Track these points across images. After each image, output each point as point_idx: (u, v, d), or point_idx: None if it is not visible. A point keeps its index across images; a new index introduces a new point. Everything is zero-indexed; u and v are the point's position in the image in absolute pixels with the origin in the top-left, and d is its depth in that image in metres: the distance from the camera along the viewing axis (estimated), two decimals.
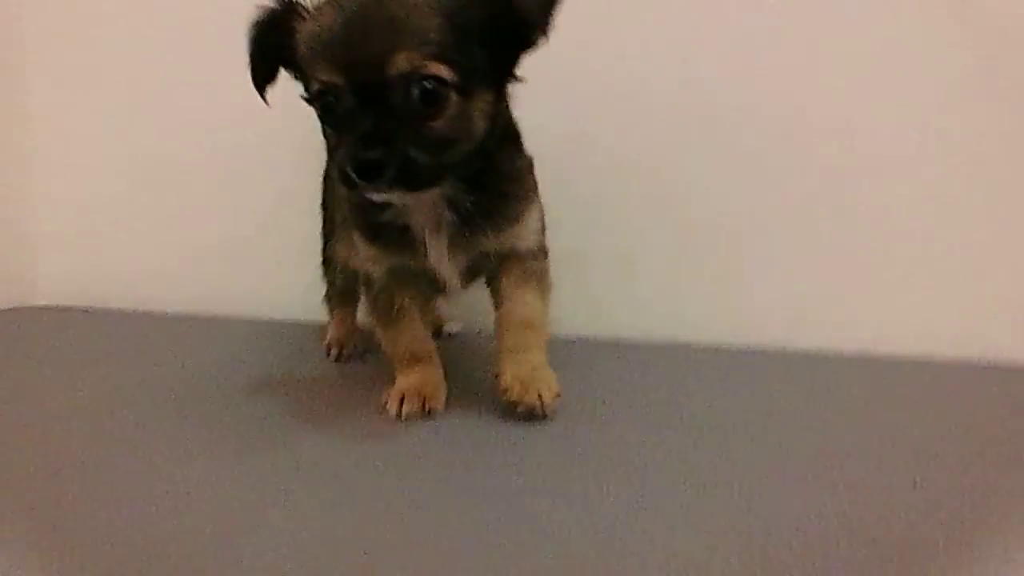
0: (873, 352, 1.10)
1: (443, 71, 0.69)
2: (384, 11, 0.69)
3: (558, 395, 0.83)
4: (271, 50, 0.77)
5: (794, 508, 0.64)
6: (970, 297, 1.10)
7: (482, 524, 0.62)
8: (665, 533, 0.60)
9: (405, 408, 0.86)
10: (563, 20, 0.72)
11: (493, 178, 0.81)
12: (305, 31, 0.73)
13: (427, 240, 0.83)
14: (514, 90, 0.80)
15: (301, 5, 0.76)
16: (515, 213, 0.84)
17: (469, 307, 1.12)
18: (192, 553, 0.58)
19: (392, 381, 0.92)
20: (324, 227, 1.16)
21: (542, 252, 0.90)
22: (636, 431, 0.81)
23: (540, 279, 0.89)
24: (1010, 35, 1.01)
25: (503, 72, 0.76)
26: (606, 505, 0.65)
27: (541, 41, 0.72)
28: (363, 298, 0.92)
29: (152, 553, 0.58)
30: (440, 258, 0.84)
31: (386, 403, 0.88)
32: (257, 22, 0.77)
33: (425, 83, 0.69)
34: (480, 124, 0.75)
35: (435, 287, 0.89)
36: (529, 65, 0.76)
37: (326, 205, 1.16)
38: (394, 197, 0.76)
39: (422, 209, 0.81)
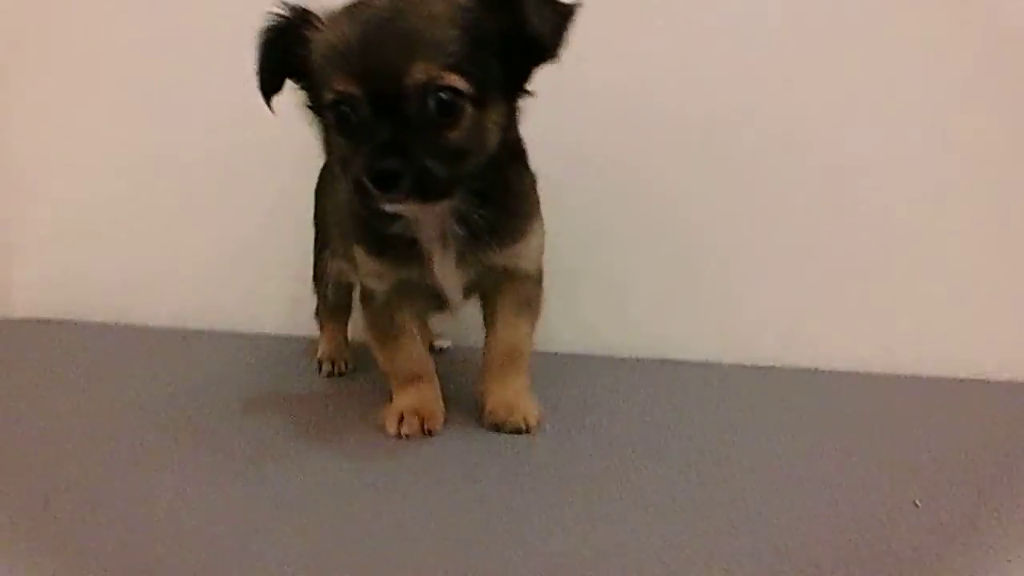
0: (864, 369, 1.11)
1: (459, 82, 0.69)
2: (401, 22, 0.69)
3: (539, 420, 0.87)
4: (281, 59, 0.76)
5: (791, 526, 0.65)
6: (962, 314, 1.11)
7: (485, 543, 0.62)
8: (664, 552, 0.60)
9: (404, 428, 0.85)
10: None
11: (501, 193, 0.81)
12: (320, 41, 0.73)
13: (433, 254, 0.82)
14: (525, 105, 0.80)
15: (313, 14, 0.75)
16: (520, 230, 0.84)
17: (457, 322, 1.11)
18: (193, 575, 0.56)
19: (388, 398, 0.91)
20: (316, 241, 1.15)
21: (539, 275, 0.91)
22: (633, 448, 0.82)
23: (534, 308, 0.90)
24: (1009, 51, 1.04)
25: (515, 86, 0.77)
26: (607, 524, 0.65)
27: (553, 58, 0.73)
28: (361, 314, 0.91)
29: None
30: (445, 272, 0.83)
31: (384, 422, 0.87)
32: (268, 29, 0.76)
33: (441, 94, 0.69)
34: (493, 136, 0.75)
35: (437, 303, 0.89)
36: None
37: (318, 218, 1.14)
38: (408, 208, 0.75)
39: (430, 222, 0.80)
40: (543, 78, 0.77)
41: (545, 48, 0.72)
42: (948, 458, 0.80)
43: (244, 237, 1.37)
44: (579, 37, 0.72)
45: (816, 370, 1.12)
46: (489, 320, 0.91)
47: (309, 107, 0.79)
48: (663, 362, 1.17)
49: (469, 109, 0.71)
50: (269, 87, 0.78)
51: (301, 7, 0.76)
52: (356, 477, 0.76)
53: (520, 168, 0.84)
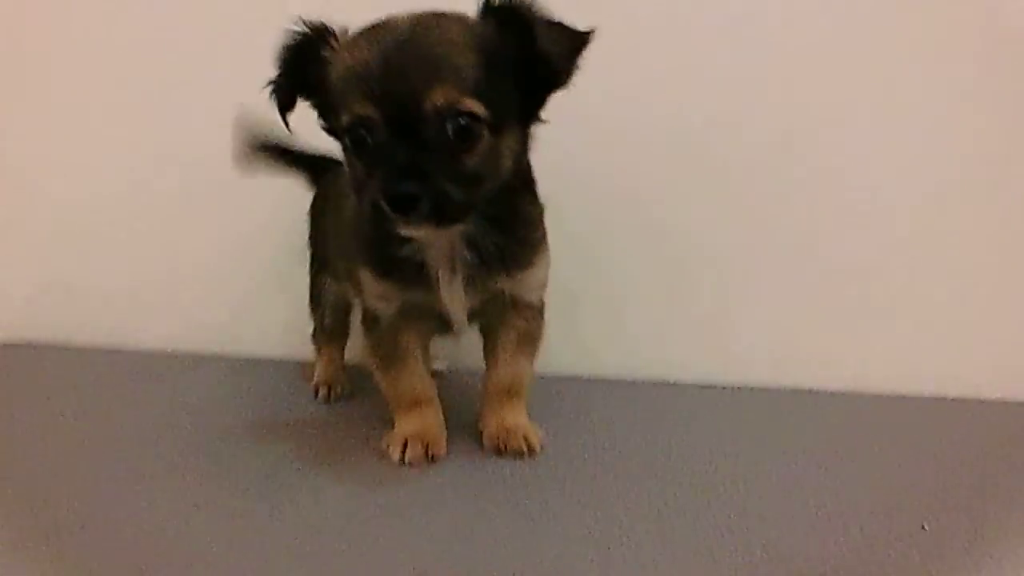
0: (862, 389, 1.12)
1: (478, 107, 0.70)
2: (421, 46, 0.69)
3: (541, 443, 0.88)
4: (299, 77, 0.76)
5: (801, 549, 0.65)
6: (951, 335, 1.13)
7: (495, 570, 0.62)
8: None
9: (408, 454, 0.84)
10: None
11: (511, 220, 0.81)
12: (339, 63, 0.73)
13: (441, 277, 0.82)
14: (537, 132, 0.80)
15: (333, 32, 0.76)
16: (528, 258, 0.85)
17: (454, 345, 1.10)
18: None
19: (390, 423, 0.90)
20: (312, 263, 1.14)
21: (542, 306, 0.91)
22: (637, 472, 0.83)
23: (535, 342, 0.91)
24: (1010, 53, 1.06)
25: (529, 112, 0.77)
26: (615, 548, 0.66)
27: (565, 84, 0.73)
28: (364, 337, 0.90)
29: None
30: (452, 296, 0.83)
31: (387, 448, 0.86)
32: (289, 46, 0.76)
33: (460, 119, 0.69)
34: (508, 162, 0.76)
35: (442, 327, 0.88)
36: None
37: (314, 241, 1.13)
38: (423, 231, 0.75)
39: (439, 245, 0.80)
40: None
41: (557, 74, 0.72)
42: (952, 479, 0.81)
43: (234, 258, 1.35)
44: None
45: (814, 391, 1.13)
46: (490, 353, 0.92)
47: (323, 128, 0.79)
48: (661, 384, 1.17)
49: (486, 134, 0.71)
50: (286, 104, 0.78)
51: (322, 24, 0.76)
52: (363, 504, 0.75)
53: (530, 197, 0.85)
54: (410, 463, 0.84)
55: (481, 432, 0.91)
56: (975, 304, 1.12)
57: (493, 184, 0.75)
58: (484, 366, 0.94)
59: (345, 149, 0.76)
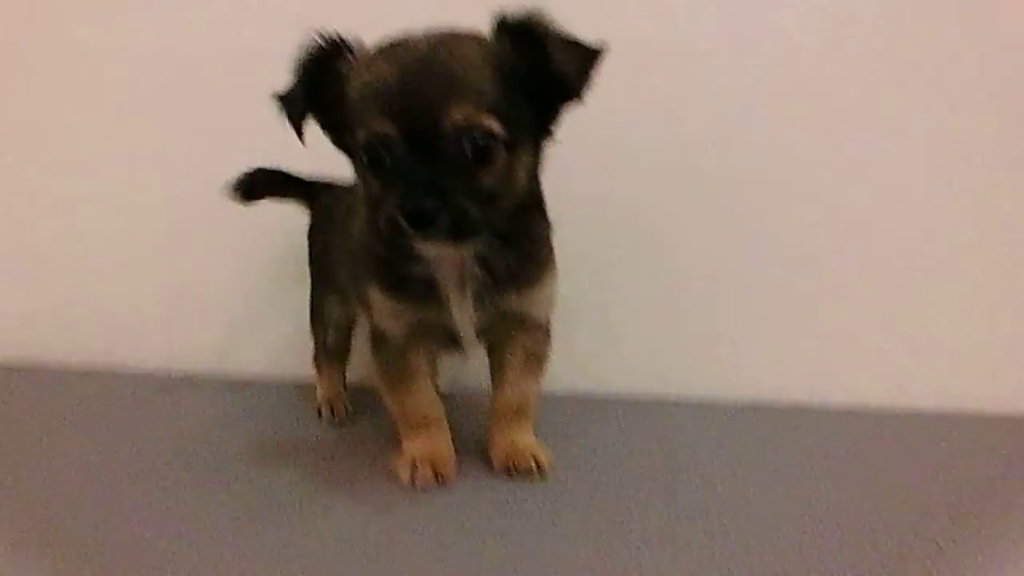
0: (864, 406, 1.13)
1: (495, 125, 0.70)
2: (439, 64, 0.69)
3: (550, 462, 0.87)
4: (315, 91, 0.76)
5: (817, 568, 0.65)
6: (951, 351, 1.15)
7: None
8: None
9: (417, 476, 0.84)
10: None
11: (521, 238, 0.81)
12: (357, 79, 0.73)
13: (451, 295, 0.82)
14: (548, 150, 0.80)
15: (349, 48, 0.76)
16: (536, 276, 0.84)
17: (457, 364, 1.10)
18: None
19: (395, 443, 0.89)
20: (313, 283, 1.12)
21: (548, 325, 0.91)
22: (646, 491, 0.82)
23: (542, 362, 0.91)
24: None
25: (542, 129, 0.78)
26: (632, 570, 0.66)
27: (578, 100, 0.74)
28: (371, 357, 0.89)
29: None
30: (463, 314, 0.83)
31: (396, 470, 0.85)
32: (307, 59, 0.76)
33: (477, 136, 0.70)
34: (522, 179, 0.76)
35: (452, 345, 0.88)
36: None
37: (315, 261, 1.12)
38: (438, 248, 0.75)
39: (450, 263, 0.80)
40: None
41: (570, 90, 0.73)
42: (960, 496, 0.81)
43: (229, 279, 1.33)
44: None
45: (815, 407, 1.13)
46: (497, 373, 0.91)
47: (335, 144, 0.79)
48: (662, 402, 1.17)
49: (502, 152, 0.72)
50: (301, 117, 0.77)
51: (339, 38, 0.76)
52: (374, 528, 0.74)
53: (539, 214, 0.85)
54: (420, 485, 0.83)
55: (489, 452, 0.90)
56: (975, 319, 1.14)
57: (508, 202, 0.75)
58: (484, 385, 0.93)
59: (360, 165, 0.75)
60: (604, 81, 0.73)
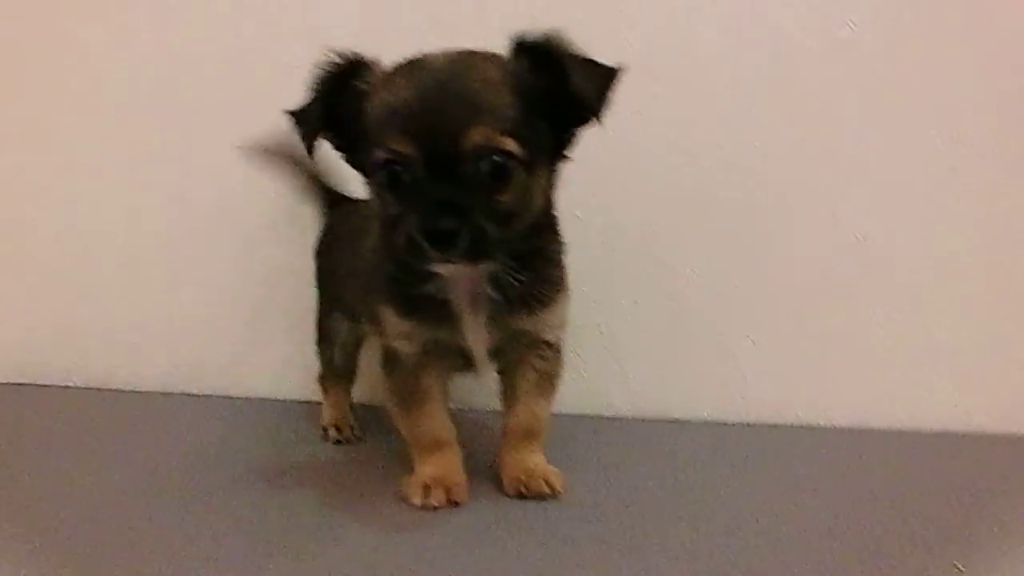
0: (867, 425, 1.14)
1: (514, 146, 0.70)
2: (460, 85, 0.70)
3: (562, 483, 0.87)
4: (332, 108, 0.76)
5: None
6: (955, 372, 1.15)
7: None
8: None
9: (431, 499, 0.82)
10: None
11: (535, 258, 0.81)
12: (376, 98, 0.73)
13: (464, 315, 0.81)
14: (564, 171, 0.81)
15: (367, 66, 0.76)
16: (550, 297, 0.84)
17: (464, 385, 1.09)
18: None
19: (402, 464, 0.89)
20: (320, 302, 1.12)
21: (560, 346, 0.90)
22: (659, 511, 0.82)
23: (554, 384, 0.91)
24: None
25: (558, 150, 0.78)
26: None
27: (596, 121, 0.74)
28: (384, 378, 0.88)
29: None
30: (476, 334, 0.82)
31: (408, 493, 0.84)
32: (325, 76, 0.76)
33: (496, 157, 0.70)
34: (539, 200, 0.76)
35: (465, 366, 0.87)
36: None
37: (322, 279, 1.11)
38: (455, 268, 0.75)
39: (464, 283, 0.80)
40: None
41: (589, 111, 0.73)
42: (970, 515, 0.81)
43: (233, 296, 1.32)
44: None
45: (822, 427, 1.14)
46: (509, 395, 0.90)
47: (348, 162, 0.79)
48: (668, 422, 1.17)
49: (520, 173, 0.72)
50: (314, 136, 0.77)
51: (358, 56, 0.76)
52: (385, 550, 0.73)
53: (553, 235, 0.85)
54: (432, 508, 0.82)
55: (500, 473, 0.89)
56: (980, 341, 1.14)
57: (524, 222, 0.75)
58: (489, 405, 0.93)
59: (376, 184, 0.75)
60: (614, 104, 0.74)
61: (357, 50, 0.77)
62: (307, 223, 1.20)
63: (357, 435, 1.08)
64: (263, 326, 1.31)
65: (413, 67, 0.73)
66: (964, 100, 1.11)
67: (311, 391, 1.18)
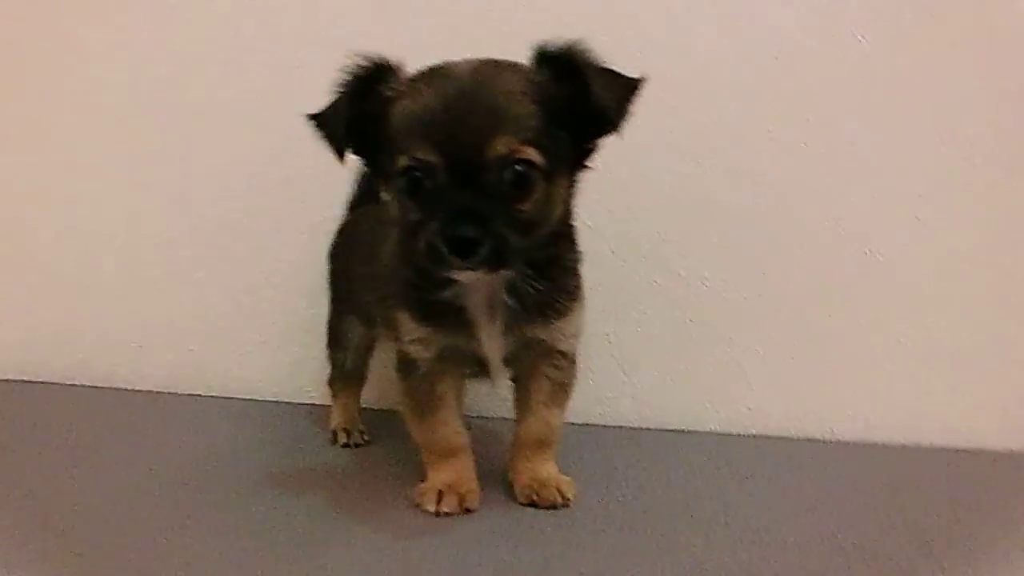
0: (872, 439, 1.14)
1: (535, 156, 0.71)
2: (483, 94, 0.71)
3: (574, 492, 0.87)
4: (357, 111, 0.76)
5: None
6: (962, 386, 1.15)
7: None
8: None
9: (443, 506, 0.82)
10: None
11: (552, 267, 0.81)
12: (400, 105, 0.73)
13: (481, 322, 0.82)
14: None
15: (392, 71, 0.76)
16: (566, 306, 0.84)
17: (476, 392, 1.09)
18: None
19: (413, 468, 0.89)
20: (333, 305, 1.12)
21: (574, 356, 0.91)
22: (670, 521, 0.82)
23: (567, 393, 0.91)
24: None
25: (578, 160, 0.78)
26: None
27: (615, 131, 0.74)
28: (398, 384, 0.88)
29: None
30: (491, 341, 0.83)
31: (421, 499, 0.84)
32: (351, 79, 0.76)
33: (517, 166, 0.71)
34: (558, 209, 0.77)
35: (479, 373, 0.88)
36: None
37: (336, 281, 1.11)
38: (475, 276, 0.75)
39: (481, 290, 0.80)
40: None
41: (609, 121, 0.74)
42: (973, 530, 0.82)
43: (239, 297, 1.32)
44: None
45: (829, 440, 1.15)
46: (522, 403, 0.90)
47: (368, 166, 0.79)
48: (677, 432, 1.17)
49: (541, 182, 0.72)
50: (343, 140, 0.77)
51: (384, 60, 0.76)
52: (395, 556, 0.73)
53: (570, 244, 0.85)
54: (445, 514, 0.82)
55: (511, 481, 0.90)
56: (986, 356, 1.15)
57: (544, 231, 0.76)
58: (499, 413, 0.93)
59: (397, 190, 0.75)
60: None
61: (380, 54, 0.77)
62: (310, 223, 1.20)
63: (365, 439, 1.08)
64: (268, 327, 1.31)
65: (437, 75, 0.73)
66: (966, 102, 1.11)
67: (318, 394, 1.18)
